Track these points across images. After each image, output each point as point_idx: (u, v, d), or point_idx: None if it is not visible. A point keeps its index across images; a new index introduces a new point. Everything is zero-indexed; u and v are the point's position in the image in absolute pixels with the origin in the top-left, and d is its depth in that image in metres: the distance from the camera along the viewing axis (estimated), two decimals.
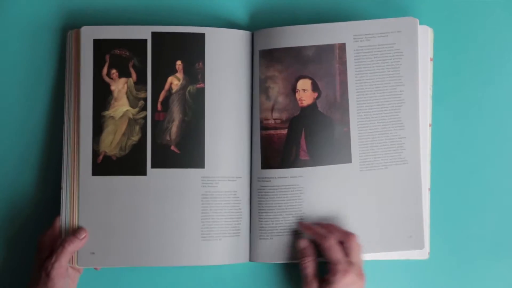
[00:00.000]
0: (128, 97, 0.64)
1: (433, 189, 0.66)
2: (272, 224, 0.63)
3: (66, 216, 0.62)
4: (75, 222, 0.62)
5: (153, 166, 0.64)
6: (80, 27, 0.64)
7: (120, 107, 0.64)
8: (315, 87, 0.64)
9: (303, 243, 0.61)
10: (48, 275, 0.58)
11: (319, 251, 0.61)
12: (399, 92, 0.63)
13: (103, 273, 0.65)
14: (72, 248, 0.60)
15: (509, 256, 0.67)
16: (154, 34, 0.64)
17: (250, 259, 0.65)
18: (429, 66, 0.65)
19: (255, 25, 0.67)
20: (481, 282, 0.67)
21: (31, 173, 0.66)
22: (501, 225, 0.67)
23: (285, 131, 0.64)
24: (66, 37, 0.65)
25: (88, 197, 0.63)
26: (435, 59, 0.65)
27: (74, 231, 0.61)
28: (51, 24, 0.67)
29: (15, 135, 0.66)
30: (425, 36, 0.64)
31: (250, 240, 0.65)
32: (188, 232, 0.63)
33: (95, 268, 0.64)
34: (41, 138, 0.66)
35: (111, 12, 0.67)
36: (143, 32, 0.64)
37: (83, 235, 0.61)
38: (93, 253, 0.62)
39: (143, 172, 0.63)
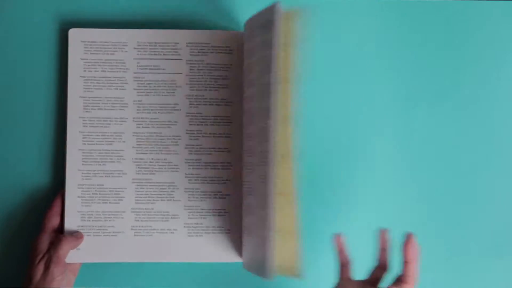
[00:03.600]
0: None
1: (431, 189, 0.67)
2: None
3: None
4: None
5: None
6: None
7: None
8: None
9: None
10: (47, 269, 0.59)
11: None
12: None
13: (98, 270, 0.66)
14: (69, 246, 0.61)
15: (507, 255, 0.68)
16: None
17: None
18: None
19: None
20: (478, 282, 0.67)
21: (39, 171, 0.66)
22: (500, 224, 0.68)
23: None
24: (63, 38, 0.65)
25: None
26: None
27: (72, 232, 0.63)
28: (49, 26, 0.66)
29: (20, 134, 0.66)
30: None
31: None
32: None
33: None
34: (46, 138, 0.66)
35: (107, 14, 0.67)
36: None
37: (79, 235, 0.63)
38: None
39: None
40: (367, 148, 0.67)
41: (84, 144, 0.64)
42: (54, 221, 0.63)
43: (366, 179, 0.67)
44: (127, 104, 0.64)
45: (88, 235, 0.63)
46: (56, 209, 0.63)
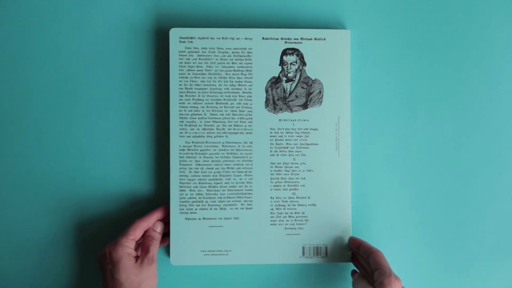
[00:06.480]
0: None
1: (431, 190, 0.67)
2: None
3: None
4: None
5: None
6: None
7: None
8: None
9: None
10: (152, 261, 0.60)
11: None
12: None
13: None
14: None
15: (508, 257, 0.68)
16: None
17: None
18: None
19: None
20: (479, 284, 0.68)
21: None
22: (500, 226, 0.68)
23: None
24: (162, 38, 0.65)
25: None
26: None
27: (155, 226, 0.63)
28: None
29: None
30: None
31: None
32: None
33: None
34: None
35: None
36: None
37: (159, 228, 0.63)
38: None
39: None
40: (368, 149, 0.67)
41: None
42: (137, 233, 0.61)
43: (366, 179, 0.67)
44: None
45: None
46: (146, 222, 0.62)
